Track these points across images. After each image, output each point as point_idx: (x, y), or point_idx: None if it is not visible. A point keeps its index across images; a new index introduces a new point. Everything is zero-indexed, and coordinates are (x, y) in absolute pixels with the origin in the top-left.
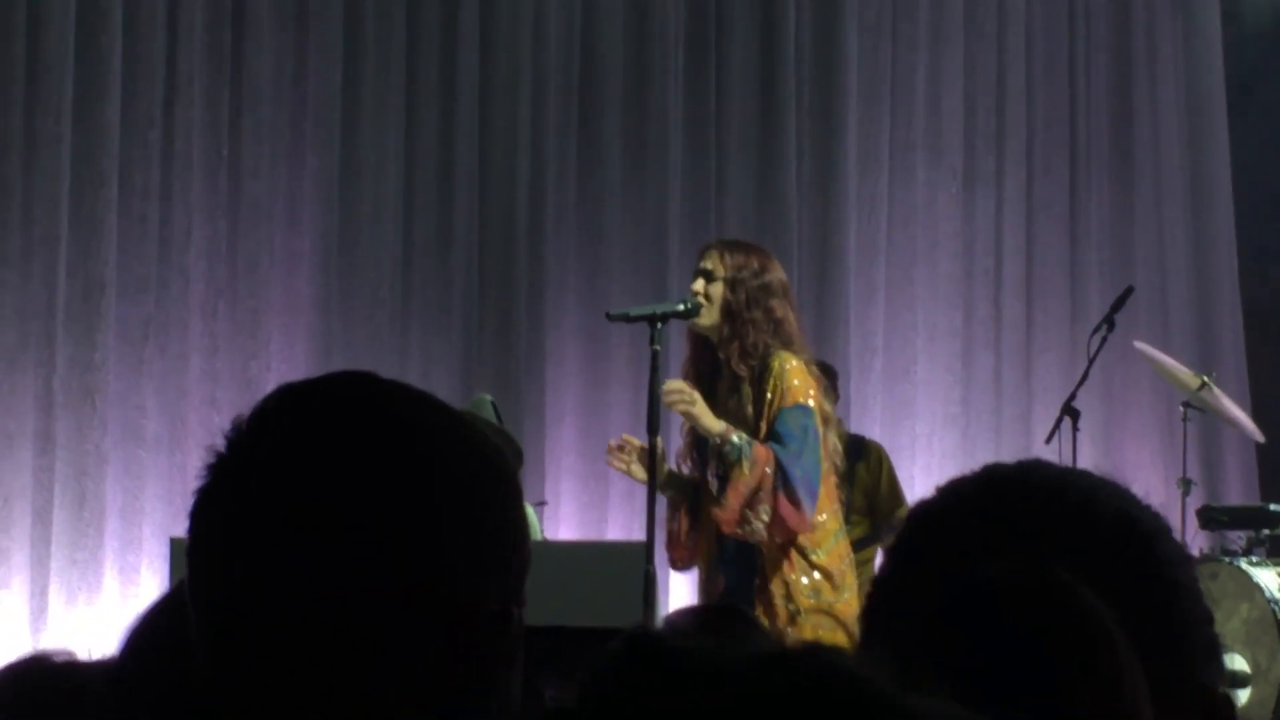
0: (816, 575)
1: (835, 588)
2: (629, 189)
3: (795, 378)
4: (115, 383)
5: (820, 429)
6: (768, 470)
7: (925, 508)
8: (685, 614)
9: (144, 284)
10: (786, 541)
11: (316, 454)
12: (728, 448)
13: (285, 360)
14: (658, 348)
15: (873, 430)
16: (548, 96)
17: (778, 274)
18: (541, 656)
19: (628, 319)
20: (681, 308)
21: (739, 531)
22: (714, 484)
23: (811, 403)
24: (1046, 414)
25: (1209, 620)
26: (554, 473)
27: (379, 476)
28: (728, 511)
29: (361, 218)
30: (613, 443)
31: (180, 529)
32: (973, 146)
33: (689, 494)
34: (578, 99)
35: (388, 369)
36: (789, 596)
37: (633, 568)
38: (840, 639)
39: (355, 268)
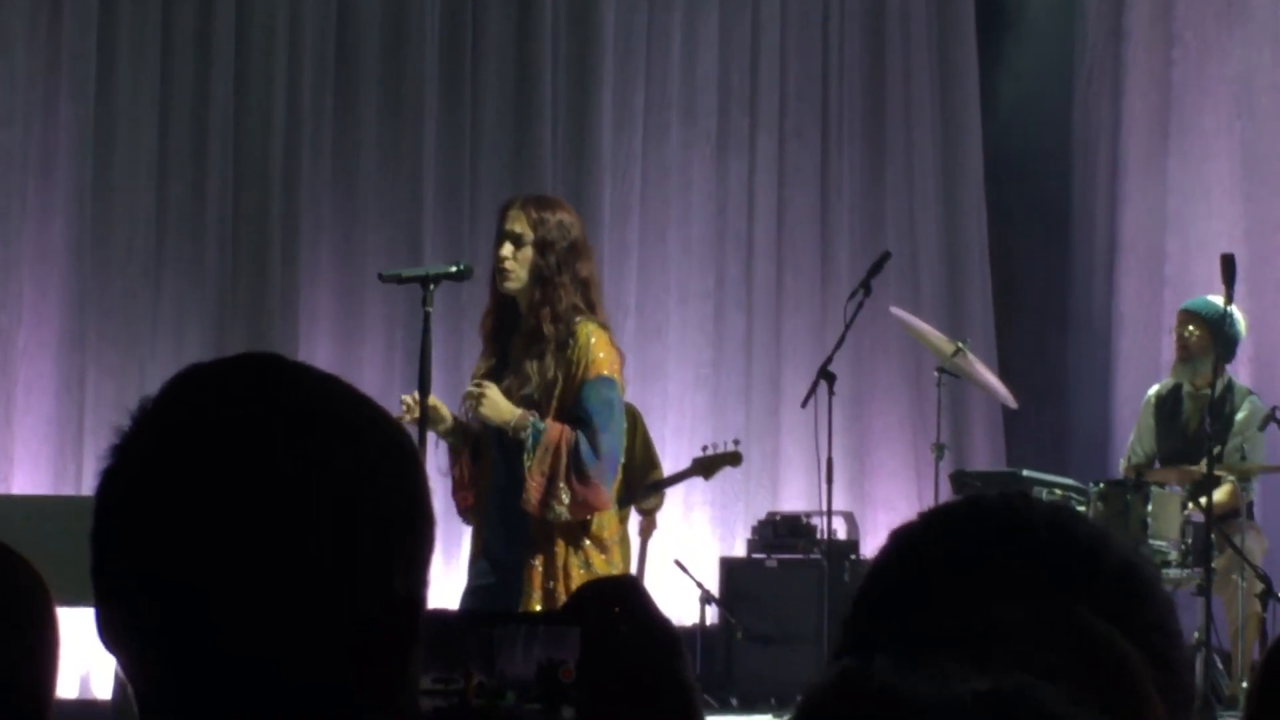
0: (589, 544)
1: (609, 563)
2: (384, 145)
3: (600, 350)
4: None
5: (622, 401)
6: (562, 452)
7: (912, 534)
8: (587, 590)
9: None
10: (578, 525)
11: (222, 435)
12: (523, 435)
13: (36, 311)
14: (429, 309)
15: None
16: (304, 49)
17: (580, 229)
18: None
19: (400, 280)
20: (454, 269)
21: (546, 516)
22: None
23: (616, 377)
24: (796, 376)
25: (1191, 669)
26: None
27: (287, 458)
28: (530, 500)
29: (116, 168)
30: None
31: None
32: (726, 109)
33: (470, 441)
34: (334, 53)
35: (140, 321)
36: (554, 572)
37: None
38: None
39: (108, 219)
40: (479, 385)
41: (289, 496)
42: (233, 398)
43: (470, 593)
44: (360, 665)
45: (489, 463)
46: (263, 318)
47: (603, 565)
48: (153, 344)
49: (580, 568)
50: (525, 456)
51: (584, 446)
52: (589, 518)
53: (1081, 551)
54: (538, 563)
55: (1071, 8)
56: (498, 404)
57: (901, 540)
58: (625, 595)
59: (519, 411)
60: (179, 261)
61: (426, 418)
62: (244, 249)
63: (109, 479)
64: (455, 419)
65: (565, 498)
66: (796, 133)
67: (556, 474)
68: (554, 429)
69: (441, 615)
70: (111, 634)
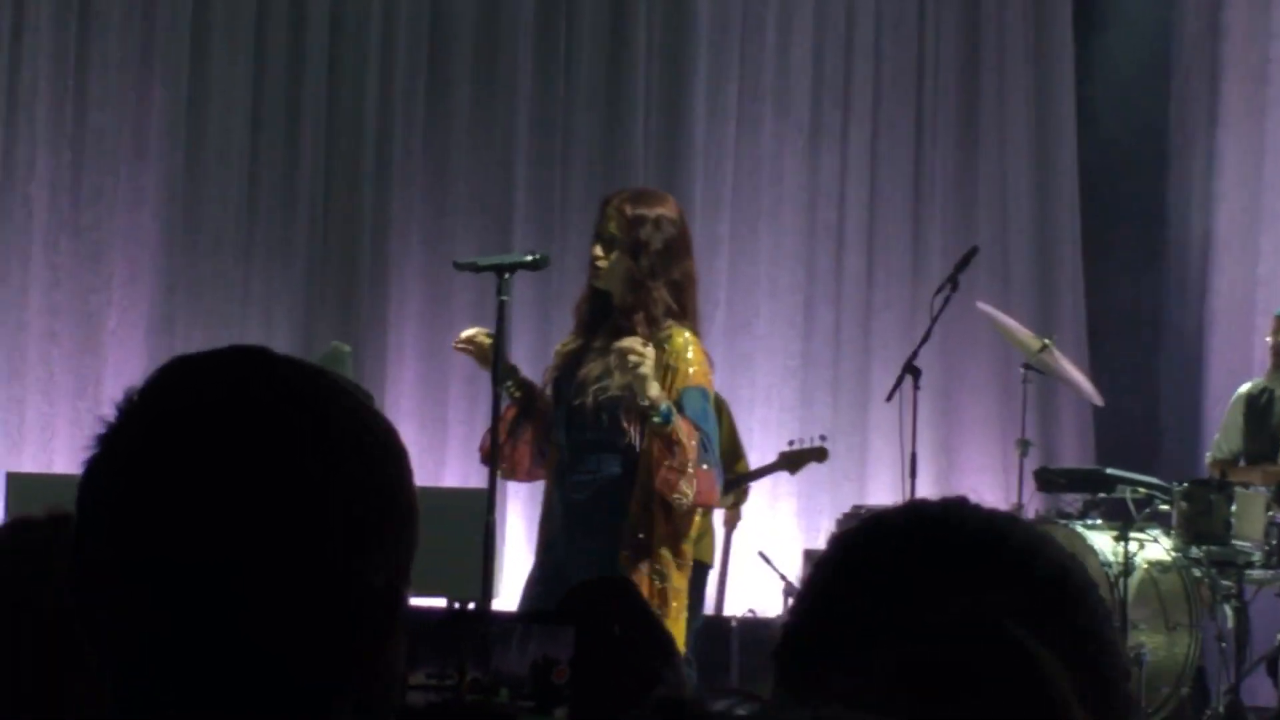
0: (674, 563)
1: (681, 570)
2: (475, 133)
3: (697, 358)
4: None
5: (713, 413)
6: (692, 443)
7: (850, 541)
8: (582, 590)
9: None
10: (681, 525)
11: (206, 427)
12: (654, 414)
13: (127, 294)
14: (505, 298)
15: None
16: (397, 34)
17: (679, 226)
18: (416, 636)
19: (475, 269)
20: (529, 259)
21: (671, 498)
22: (636, 439)
23: (709, 387)
24: (885, 370)
25: (1128, 677)
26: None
27: (265, 452)
28: (673, 474)
29: (208, 153)
30: (464, 335)
31: (16, 463)
32: (819, 101)
33: (524, 401)
34: (427, 39)
35: (230, 304)
36: (660, 574)
37: (470, 515)
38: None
39: (200, 203)
40: (640, 353)
41: (280, 487)
42: (222, 387)
43: (529, 584)
44: (336, 656)
45: (555, 449)
46: (352, 303)
47: (677, 579)
48: (242, 327)
49: (658, 581)
50: (659, 431)
51: (709, 445)
52: (685, 533)
53: (1012, 558)
54: (642, 570)
55: (1169, 2)
56: (649, 375)
57: (840, 547)
58: (619, 596)
59: (660, 390)
60: (269, 246)
61: (499, 407)
62: (334, 234)
63: (96, 468)
64: (527, 383)
65: (696, 485)
66: (889, 126)
67: (688, 461)
68: (686, 422)
69: (436, 612)
70: (89, 623)
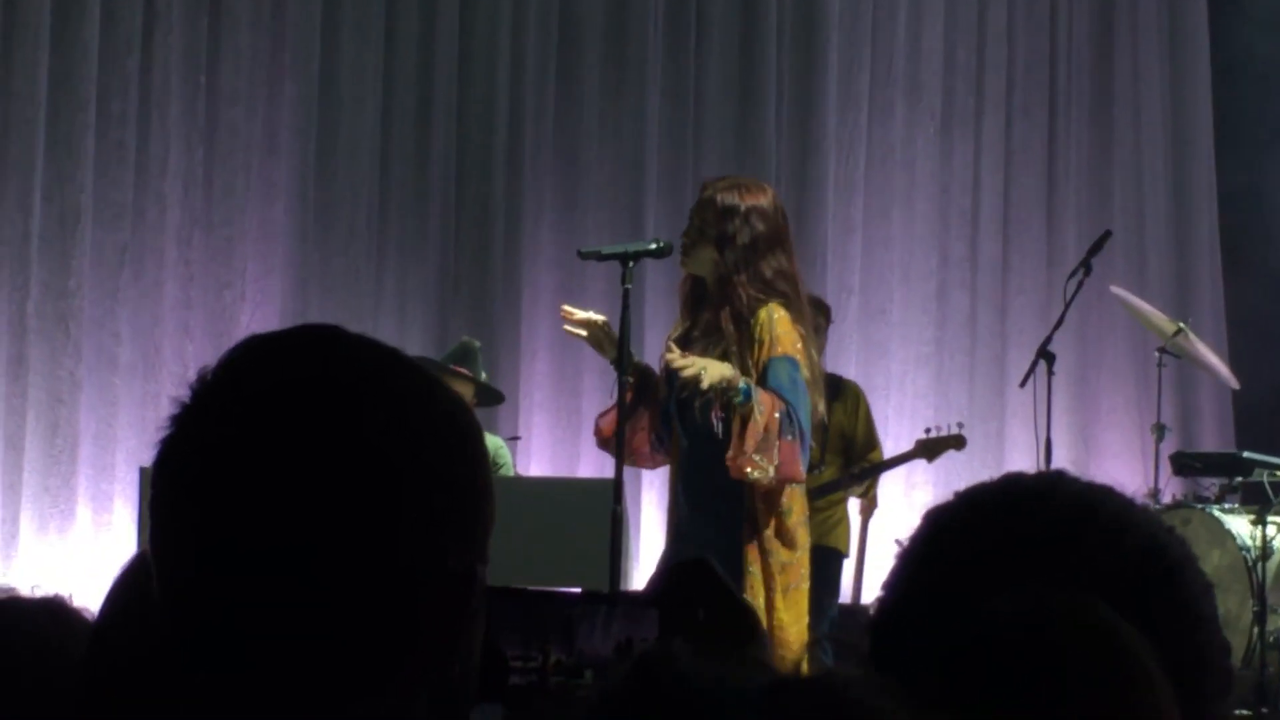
0: (778, 539)
1: (787, 546)
2: (607, 123)
3: (782, 328)
4: (90, 309)
5: (806, 383)
6: (776, 415)
7: (943, 516)
8: (658, 577)
9: (120, 211)
10: (773, 501)
11: (278, 409)
12: (734, 395)
13: (260, 289)
14: (629, 286)
15: (848, 370)
16: (528, 28)
17: (773, 219)
18: (502, 618)
19: (599, 257)
20: (653, 246)
21: (747, 475)
22: (719, 427)
23: (798, 356)
24: (1020, 356)
25: (1228, 652)
26: (527, 407)
27: (340, 433)
28: (741, 457)
29: (339, 147)
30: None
31: (152, 458)
32: (952, 88)
33: (639, 386)
34: (558, 32)
35: (363, 299)
36: (766, 551)
37: (601, 505)
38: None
39: (332, 197)
40: (693, 371)
41: (358, 469)
42: (294, 369)
43: (658, 569)
44: (410, 636)
45: (675, 436)
46: (484, 295)
47: (784, 553)
48: (375, 323)
49: (766, 555)
50: (741, 411)
51: (794, 415)
52: (785, 508)
53: (1103, 533)
54: (751, 554)
55: None
56: (712, 368)
57: (932, 523)
58: (704, 578)
59: (732, 369)
60: (402, 240)
61: (624, 397)
62: (467, 228)
63: (171, 449)
64: (643, 369)
65: (777, 459)
66: (1023, 111)
67: (770, 436)
68: (765, 393)
69: (521, 593)
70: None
